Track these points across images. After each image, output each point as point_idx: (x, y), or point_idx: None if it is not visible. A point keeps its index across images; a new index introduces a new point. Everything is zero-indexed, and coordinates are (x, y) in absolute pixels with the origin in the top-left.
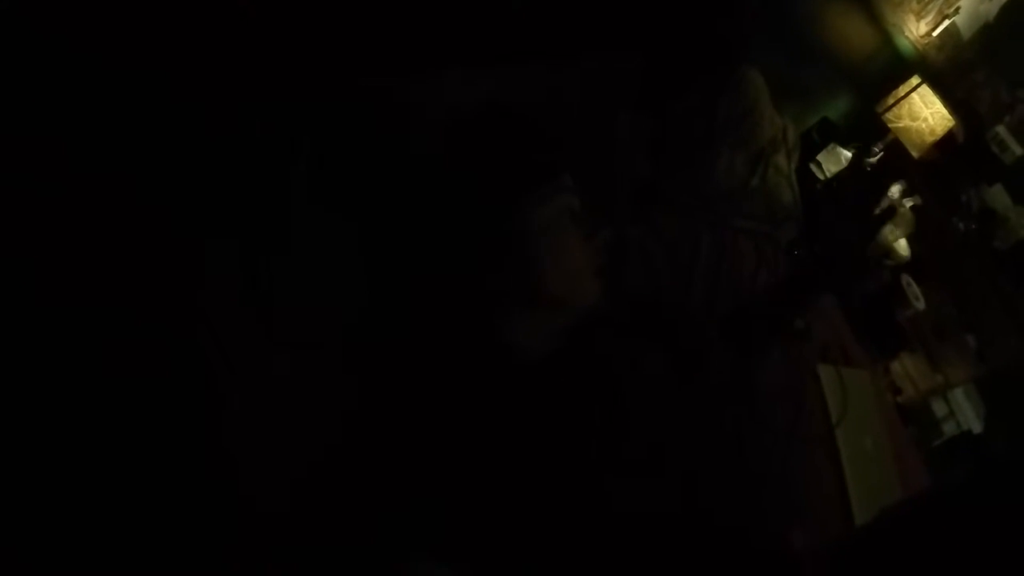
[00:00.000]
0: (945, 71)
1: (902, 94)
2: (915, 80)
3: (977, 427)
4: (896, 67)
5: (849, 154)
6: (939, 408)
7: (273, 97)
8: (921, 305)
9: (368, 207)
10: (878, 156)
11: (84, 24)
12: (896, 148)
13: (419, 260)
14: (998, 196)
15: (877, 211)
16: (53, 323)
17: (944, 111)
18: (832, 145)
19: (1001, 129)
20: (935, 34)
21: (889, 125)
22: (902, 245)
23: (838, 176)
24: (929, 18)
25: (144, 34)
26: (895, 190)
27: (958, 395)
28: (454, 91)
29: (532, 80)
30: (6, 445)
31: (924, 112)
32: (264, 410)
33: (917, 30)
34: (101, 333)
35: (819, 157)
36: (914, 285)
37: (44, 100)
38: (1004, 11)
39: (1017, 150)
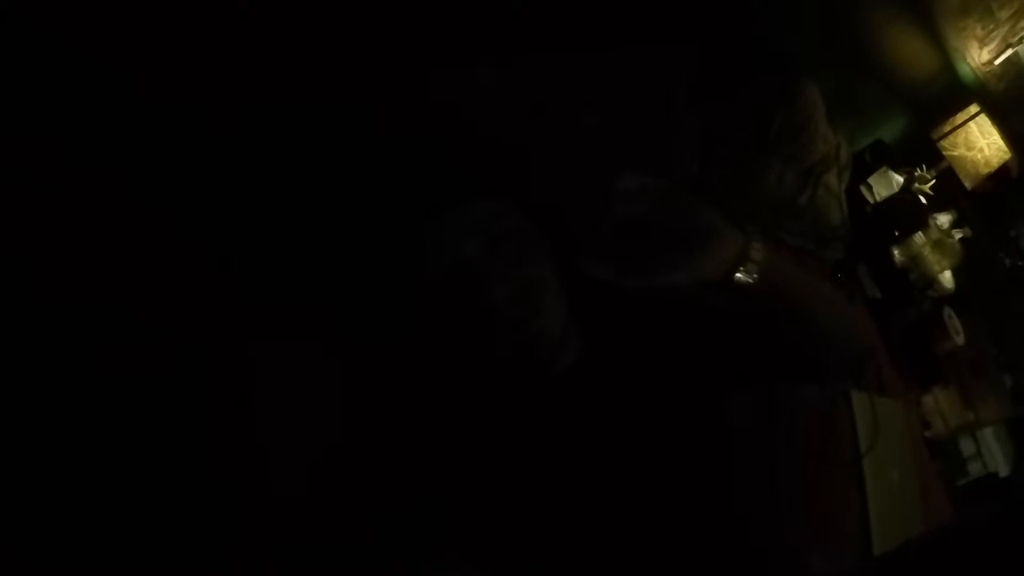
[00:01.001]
0: (1005, 101)
1: (959, 122)
2: (973, 108)
3: (1004, 470)
4: (955, 93)
5: (901, 179)
6: (967, 446)
7: (273, 97)
8: (961, 340)
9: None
10: (930, 183)
11: (84, 24)
12: (948, 177)
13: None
14: None
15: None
16: (53, 323)
17: (1001, 143)
18: (884, 168)
19: None
20: (997, 62)
21: (943, 152)
22: (947, 277)
23: (888, 200)
24: (992, 46)
25: (144, 34)
26: (944, 220)
27: (988, 435)
28: (487, 83)
29: (579, 70)
30: (14, 444)
31: (980, 142)
32: (276, 408)
33: (979, 57)
34: (100, 333)
35: (870, 179)
36: (955, 318)
37: (44, 100)
38: None
39: None
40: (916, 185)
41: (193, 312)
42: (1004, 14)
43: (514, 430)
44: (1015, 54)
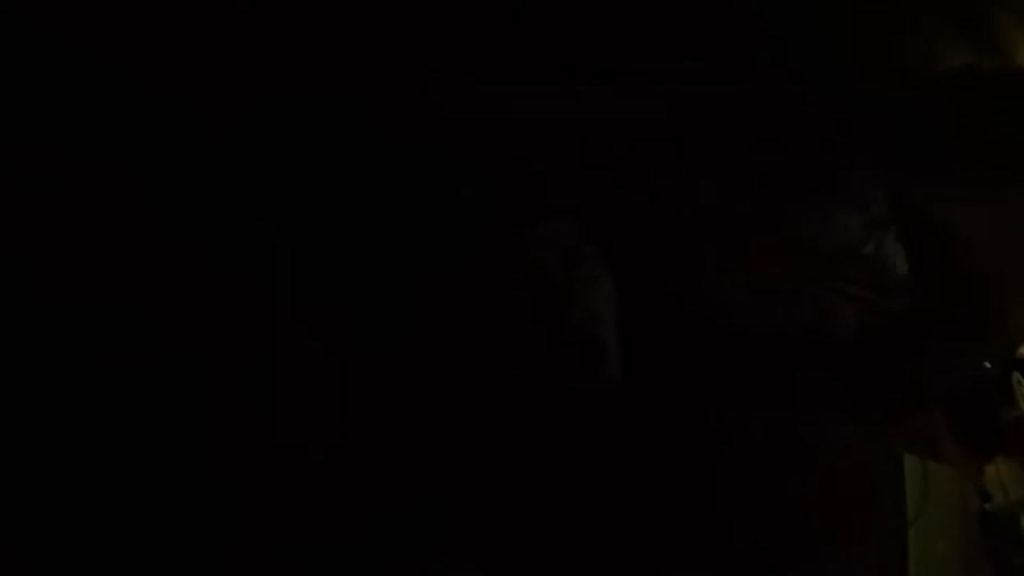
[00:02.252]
0: None
1: None
2: None
3: None
4: None
5: None
6: None
7: (273, 97)
8: None
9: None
10: None
11: (84, 24)
12: None
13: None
14: None
15: None
16: (53, 323)
17: None
18: None
19: None
20: None
21: None
22: None
23: None
24: None
25: (144, 34)
26: None
27: None
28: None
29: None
30: (16, 443)
31: None
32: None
33: None
34: (100, 332)
35: None
36: None
37: (44, 100)
38: None
39: None
40: None
41: (193, 312)
42: None
43: (529, 438)
44: None
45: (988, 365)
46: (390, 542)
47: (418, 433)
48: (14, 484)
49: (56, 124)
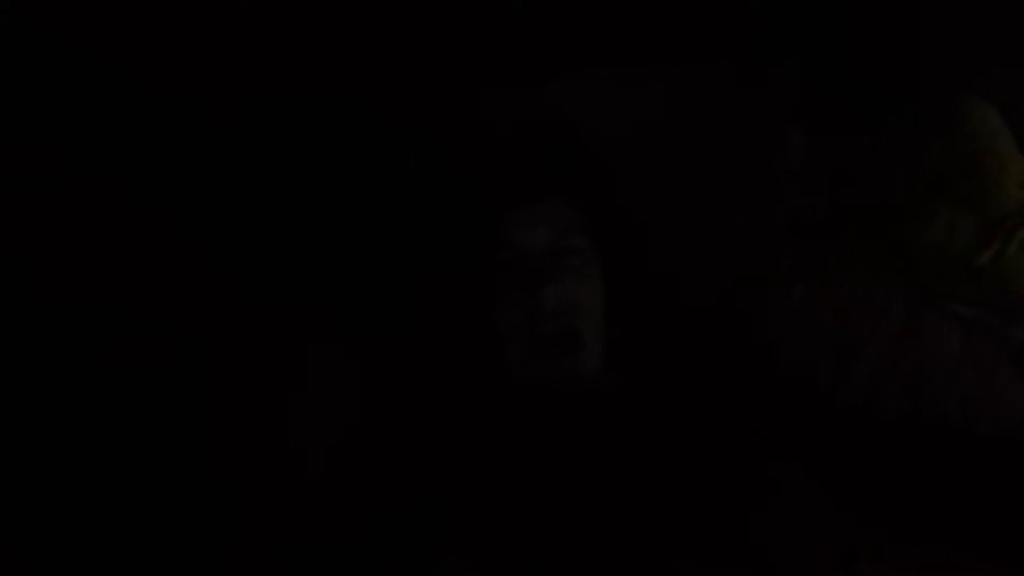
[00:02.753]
0: None
1: None
2: None
3: None
4: None
5: None
6: None
7: (273, 98)
8: None
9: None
10: None
11: (84, 24)
12: None
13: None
14: None
15: None
16: (54, 323)
17: None
18: None
19: None
20: None
21: None
22: None
23: None
24: None
25: (144, 34)
26: None
27: None
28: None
29: (652, 88)
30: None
31: None
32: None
33: None
34: (101, 332)
35: None
36: None
37: (44, 100)
38: None
39: None
40: None
41: (195, 311)
42: None
43: (524, 438)
44: None
45: None
46: (390, 542)
47: (421, 431)
48: (16, 484)
49: (56, 124)
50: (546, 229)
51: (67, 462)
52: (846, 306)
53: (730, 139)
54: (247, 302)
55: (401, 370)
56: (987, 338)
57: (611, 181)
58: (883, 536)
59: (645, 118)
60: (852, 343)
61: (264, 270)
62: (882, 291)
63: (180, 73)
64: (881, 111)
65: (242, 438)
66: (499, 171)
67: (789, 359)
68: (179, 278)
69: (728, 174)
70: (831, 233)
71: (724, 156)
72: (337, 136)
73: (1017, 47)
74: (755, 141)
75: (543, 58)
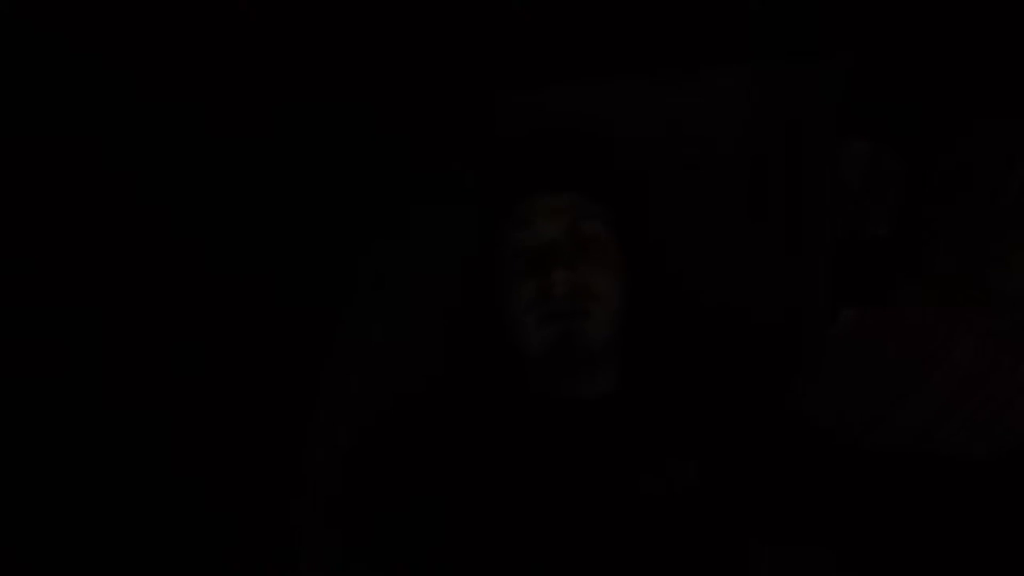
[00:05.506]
0: None
1: None
2: None
3: None
4: None
5: None
6: None
7: (273, 98)
8: None
9: None
10: None
11: (84, 24)
12: None
13: None
14: None
15: None
16: (54, 322)
17: None
18: None
19: None
20: None
21: None
22: None
23: None
24: None
25: (144, 34)
26: None
27: None
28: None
29: (688, 89)
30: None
31: None
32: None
33: None
34: (101, 332)
35: None
36: None
37: (44, 100)
38: None
39: None
40: None
41: (195, 311)
42: None
43: (527, 442)
44: None
45: None
46: (392, 544)
47: (426, 431)
48: (16, 484)
49: (56, 124)
50: (563, 216)
51: (67, 462)
52: (906, 336)
53: (770, 145)
54: (247, 302)
55: (410, 371)
56: None
57: (642, 184)
58: None
59: (680, 118)
60: (910, 376)
61: (264, 270)
62: (950, 324)
63: (180, 73)
64: (966, 121)
65: (246, 438)
66: (520, 165)
67: (824, 388)
68: (179, 278)
69: (765, 183)
70: (897, 254)
71: (762, 163)
72: (342, 135)
73: None
74: (800, 148)
75: (572, 61)
